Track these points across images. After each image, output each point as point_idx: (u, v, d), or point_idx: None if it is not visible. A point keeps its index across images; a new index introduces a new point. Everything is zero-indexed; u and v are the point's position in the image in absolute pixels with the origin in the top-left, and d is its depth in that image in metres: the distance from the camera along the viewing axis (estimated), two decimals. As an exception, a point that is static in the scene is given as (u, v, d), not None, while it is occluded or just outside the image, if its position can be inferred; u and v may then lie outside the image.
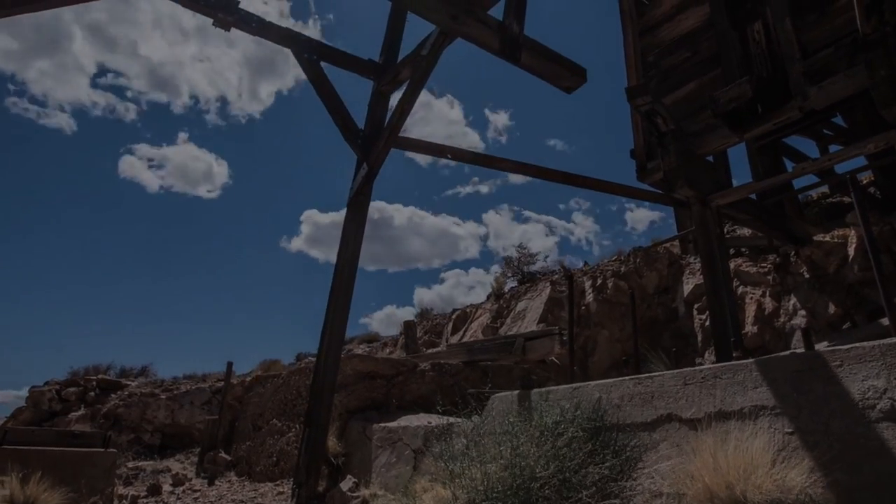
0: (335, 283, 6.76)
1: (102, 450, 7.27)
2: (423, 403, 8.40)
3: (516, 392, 5.95)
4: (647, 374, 4.90)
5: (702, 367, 4.56)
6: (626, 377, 5.03)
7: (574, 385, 5.45)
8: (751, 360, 4.18)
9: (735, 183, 10.17)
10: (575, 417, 4.10)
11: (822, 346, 5.35)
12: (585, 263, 16.34)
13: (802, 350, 4.03)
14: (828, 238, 10.00)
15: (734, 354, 4.93)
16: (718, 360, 7.94)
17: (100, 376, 11.91)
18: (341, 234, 6.87)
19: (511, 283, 15.53)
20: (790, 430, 3.69)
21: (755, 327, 10.52)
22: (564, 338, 8.38)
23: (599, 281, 12.48)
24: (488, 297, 15.29)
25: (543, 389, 5.68)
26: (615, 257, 14.28)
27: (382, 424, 7.42)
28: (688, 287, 12.43)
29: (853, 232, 9.53)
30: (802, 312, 9.88)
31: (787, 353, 4.05)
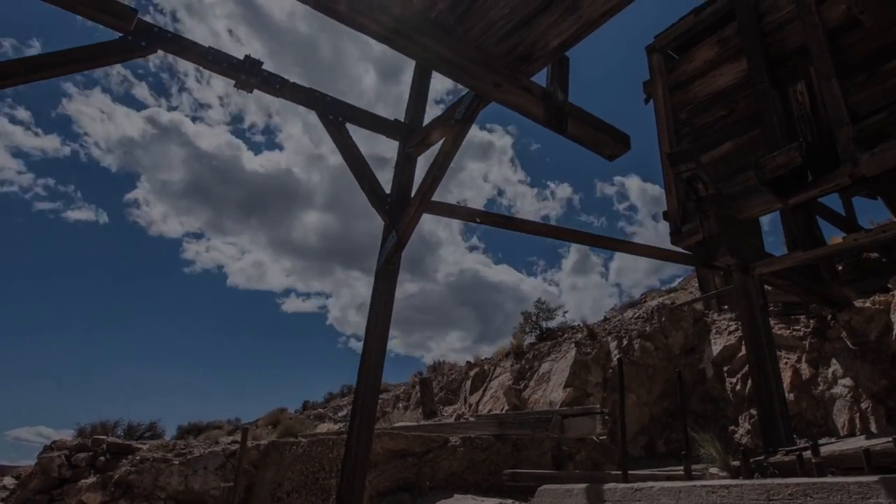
0: (364, 362, 6.23)
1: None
2: (456, 481, 7.98)
3: (575, 489, 5.50)
4: (720, 482, 4.51)
5: (787, 480, 4.16)
6: (698, 483, 4.62)
7: (635, 486, 5.04)
8: (846, 479, 3.80)
9: (765, 242, 9.90)
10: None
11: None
12: (605, 319, 15.99)
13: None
14: (868, 304, 9.62)
15: (814, 461, 4.53)
16: (765, 442, 7.53)
17: (109, 439, 11.48)
18: (370, 307, 6.37)
19: (529, 339, 15.10)
20: (908, 571, 3.30)
21: (791, 395, 10.07)
22: (606, 416, 8.00)
23: (625, 342, 12.09)
24: (507, 355, 14.83)
25: (602, 487, 5.26)
26: (638, 314, 13.93)
27: (417, 511, 6.99)
28: (716, 348, 12.00)
29: (896, 299, 9.17)
30: (844, 381, 9.45)
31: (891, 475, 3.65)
